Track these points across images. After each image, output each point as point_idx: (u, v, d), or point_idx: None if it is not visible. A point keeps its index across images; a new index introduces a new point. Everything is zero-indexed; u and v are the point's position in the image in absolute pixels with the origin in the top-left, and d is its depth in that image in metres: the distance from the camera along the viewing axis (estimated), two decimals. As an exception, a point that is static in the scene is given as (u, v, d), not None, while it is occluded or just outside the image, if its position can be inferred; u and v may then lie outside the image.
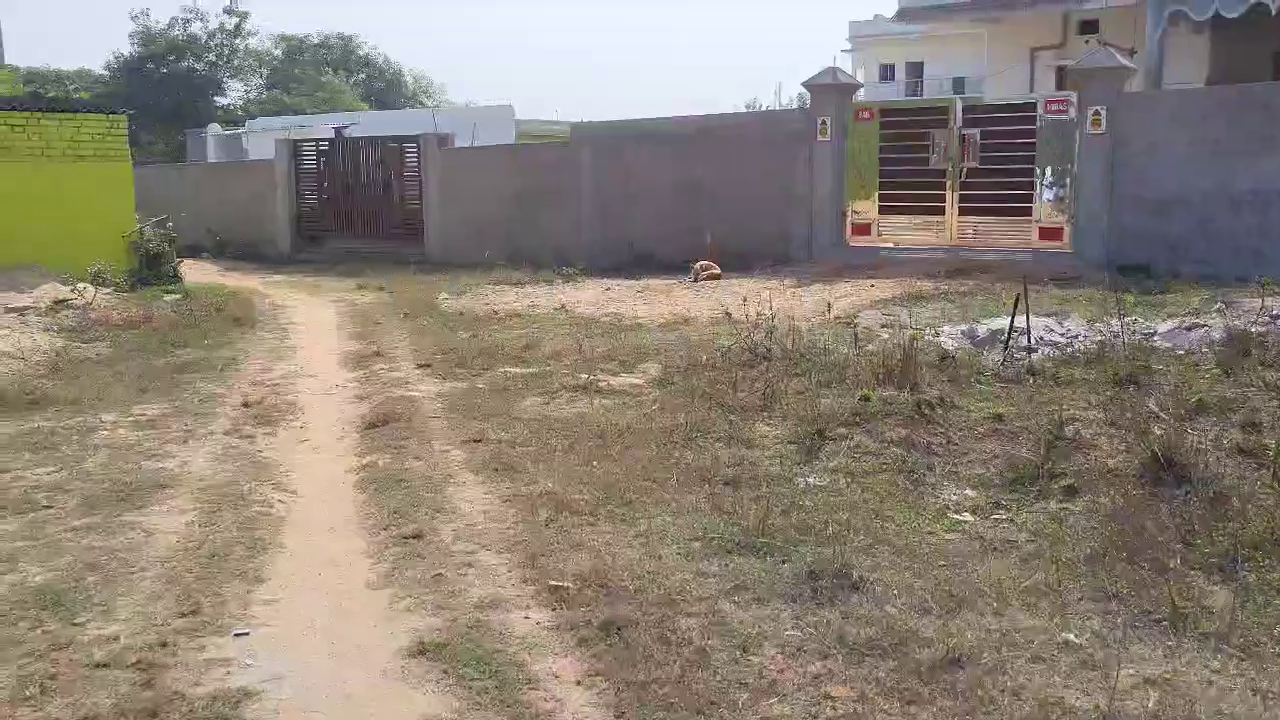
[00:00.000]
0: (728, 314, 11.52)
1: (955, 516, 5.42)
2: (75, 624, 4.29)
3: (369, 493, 6.00)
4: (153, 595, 4.57)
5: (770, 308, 11.92)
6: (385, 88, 62.89)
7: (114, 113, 15.18)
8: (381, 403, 8.05)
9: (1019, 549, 4.95)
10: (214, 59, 54.05)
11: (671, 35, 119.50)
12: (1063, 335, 9.09)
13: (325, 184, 22.34)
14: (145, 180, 25.79)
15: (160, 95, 50.84)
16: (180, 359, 10.35)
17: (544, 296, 14.50)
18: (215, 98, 55.06)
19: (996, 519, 5.36)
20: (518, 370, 9.31)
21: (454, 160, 20.54)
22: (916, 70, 61.23)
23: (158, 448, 6.90)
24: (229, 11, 53.43)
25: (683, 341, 10.17)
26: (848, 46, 69.35)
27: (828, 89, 16.44)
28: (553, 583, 4.58)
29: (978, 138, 14.94)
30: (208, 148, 37.61)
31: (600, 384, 8.45)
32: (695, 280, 15.15)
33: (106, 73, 53.73)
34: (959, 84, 33.97)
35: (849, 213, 16.45)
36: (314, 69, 58.89)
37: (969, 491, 5.74)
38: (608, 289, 15.08)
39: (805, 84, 16.73)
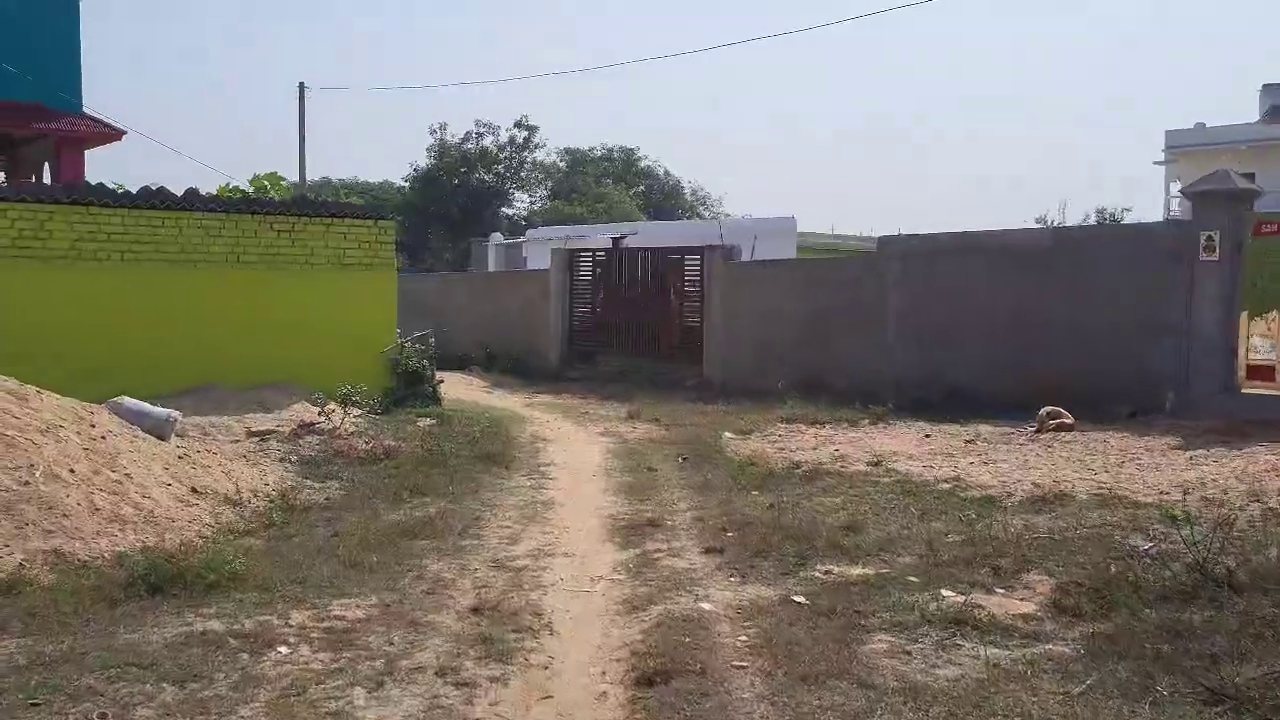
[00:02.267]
0: (1111, 492, 8.45)
1: None
2: None
3: None
4: None
5: (1163, 480, 8.79)
6: (663, 199, 63.09)
7: (382, 218, 14.02)
8: (659, 626, 5.58)
9: None
10: (502, 170, 55.84)
11: (952, 147, 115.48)
12: None
13: (600, 295, 20.81)
14: (422, 289, 25.48)
15: (451, 205, 52.85)
16: (415, 515, 8.40)
17: (850, 443, 11.81)
18: (501, 208, 56.82)
19: None
20: (844, 570, 6.65)
21: (739, 274, 18.42)
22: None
23: (340, 692, 4.71)
24: (520, 125, 55.22)
25: (1066, 534, 7.21)
26: (1160, 158, 63.66)
27: (1216, 196, 13.05)
28: None
29: None
30: (489, 256, 37.88)
31: (975, 612, 5.64)
32: (1040, 431, 12.00)
33: (406, 184, 56.68)
34: (1303, 201, 29.01)
35: (1242, 351, 12.86)
36: (595, 180, 59.88)
37: None
38: (927, 435, 12.21)
39: (1186, 191, 13.46)
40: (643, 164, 65.35)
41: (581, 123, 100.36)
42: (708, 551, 7.26)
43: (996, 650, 5.15)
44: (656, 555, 7.26)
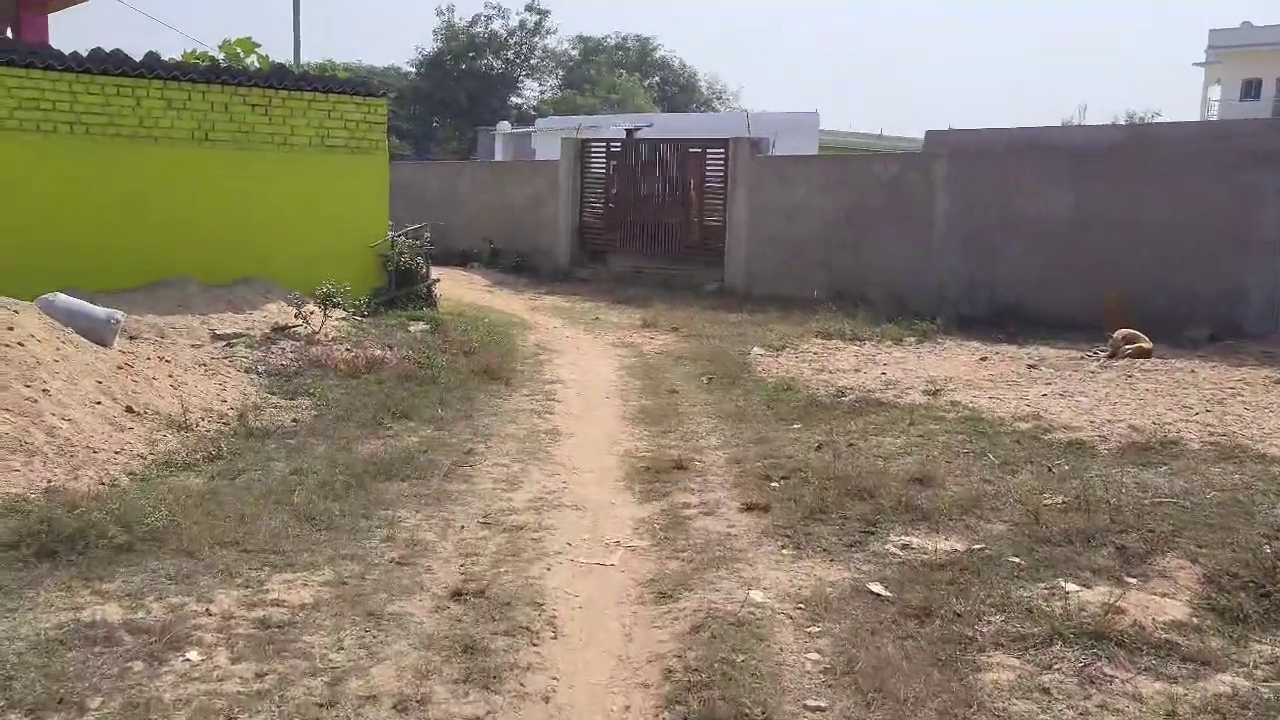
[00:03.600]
0: (1230, 441, 7.04)
1: None
2: None
3: None
4: None
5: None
6: (679, 92, 60.56)
7: (372, 94, 12.33)
8: (699, 630, 4.19)
9: None
10: (512, 56, 53.33)
11: (985, 44, 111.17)
12: None
13: (613, 190, 19.14)
14: (423, 179, 23.77)
15: (457, 92, 50.54)
16: (394, 446, 7.01)
17: (897, 365, 10.37)
18: (510, 96, 54.46)
19: None
20: (924, 543, 5.26)
21: (767, 170, 16.72)
22: (1291, 87, 52.25)
23: (260, 732, 3.36)
24: (530, 9, 52.52)
25: (1193, 499, 5.81)
26: (1201, 59, 60.70)
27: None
28: None
29: None
30: (496, 146, 36.00)
31: (1116, 620, 4.26)
32: (1114, 356, 10.55)
33: (413, 69, 54.20)
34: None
35: (1345, 269, 11.35)
36: (608, 70, 57.34)
37: None
38: (983, 359, 10.76)
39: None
40: (658, 54, 62.62)
41: (595, 7, 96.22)
42: (749, 509, 5.87)
43: (1161, 685, 3.78)
44: (686, 511, 5.87)
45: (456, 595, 4.49)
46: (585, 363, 10.91)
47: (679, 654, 3.98)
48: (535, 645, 4.07)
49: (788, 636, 4.15)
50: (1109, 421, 7.71)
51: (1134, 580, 4.82)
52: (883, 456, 6.88)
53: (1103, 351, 10.81)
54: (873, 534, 5.40)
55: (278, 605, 4.32)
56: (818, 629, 4.22)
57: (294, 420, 7.73)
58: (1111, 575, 4.85)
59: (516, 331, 12.42)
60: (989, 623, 4.28)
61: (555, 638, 4.17)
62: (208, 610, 4.24)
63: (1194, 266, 12.08)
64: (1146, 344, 10.55)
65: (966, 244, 13.98)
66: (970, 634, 4.15)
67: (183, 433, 6.96)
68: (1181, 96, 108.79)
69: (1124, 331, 10.77)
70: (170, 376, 8.05)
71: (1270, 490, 5.96)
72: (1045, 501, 5.91)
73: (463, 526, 5.51)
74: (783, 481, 6.38)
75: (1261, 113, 44.79)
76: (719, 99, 62.26)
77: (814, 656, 3.97)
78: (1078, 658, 3.98)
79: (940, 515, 5.67)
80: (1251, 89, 54.53)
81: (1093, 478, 6.22)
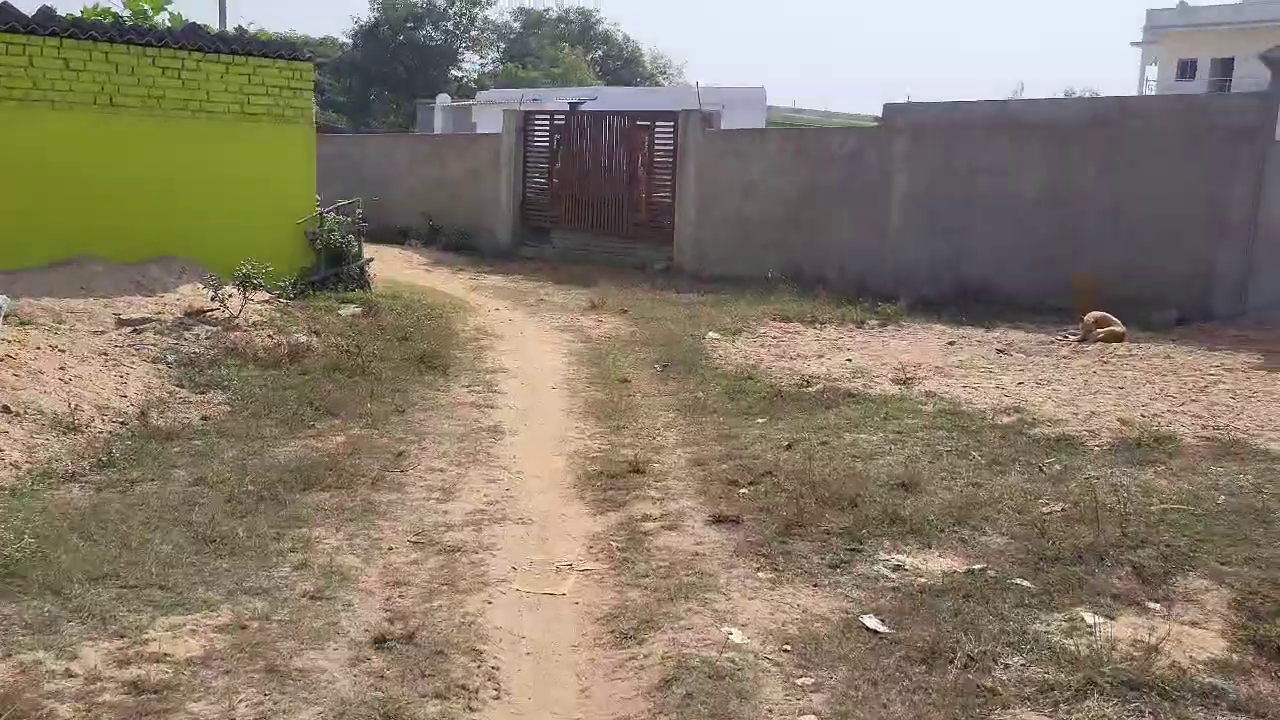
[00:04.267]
0: (1225, 435, 6.54)
1: None
2: None
3: None
4: None
5: (1276, 415, 6.91)
6: (622, 66, 59.53)
7: (296, 57, 11.39)
8: (670, 686, 3.50)
9: None
10: (451, 28, 51.95)
11: (920, 25, 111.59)
12: None
13: (557, 165, 18.32)
14: (358, 152, 22.73)
15: (395, 63, 49.08)
16: (317, 448, 6.24)
17: (862, 350, 9.78)
18: (450, 69, 53.08)
19: None
20: (918, 563, 4.63)
21: (719, 145, 16.02)
22: (1225, 68, 52.79)
23: None
24: (470, -23, 51.13)
25: (1203, 503, 5.26)
26: (1138, 39, 61.09)
27: (1302, 62, 10.92)
28: None
29: None
30: (435, 120, 34.85)
31: (1152, 661, 3.66)
32: (1084, 340, 10.06)
33: (349, 41, 52.56)
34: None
35: (1318, 249, 10.95)
36: (551, 43, 56.17)
37: None
38: (951, 343, 10.21)
39: (1266, 56, 11.23)
40: (601, 27, 61.47)
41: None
42: (718, 521, 5.20)
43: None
44: (647, 525, 5.18)
45: (379, 642, 3.76)
46: (529, 349, 10.17)
47: (648, 717, 3.30)
48: (473, 709, 3.36)
49: (776, 691, 3.48)
50: (1093, 414, 7.16)
51: (1157, 606, 4.24)
52: (859, 456, 6.25)
53: (1073, 335, 10.31)
54: (859, 551, 4.76)
55: (158, 661, 3.56)
56: (810, 680, 3.56)
57: (203, 418, 6.90)
58: (1132, 601, 4.26)
59: (455, 314, 11.62)
60: (1008, 667, 3.66)
61: (497, 697, 3.47)
62: (68, 670, 3.46)
63: (1164, 246, 11.62)
64: (1119, 328, 10.07)
65: (928, 222, 13.42)
66: (989, 684, 3.52)
67: (70, 435, 6.12)
68: (1118, 76, 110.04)
69: (1095, 315, 10.28)
70: (61, 369, 7.17)
71: (1256, 478, 5.46)
72: (1044, 509, 5.33)
73: (390, 548, 4.78)
74: (752, 487, 5.72)
75: (1197, 92, 45.07)
76: (663, 74, 61.31)
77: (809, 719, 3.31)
78: (1118, 713, 3.36)
79: (931, 527, 5.05)
80: (1188, 69, 55.01)
81: (1091, 480, 5.66)
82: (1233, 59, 51.67)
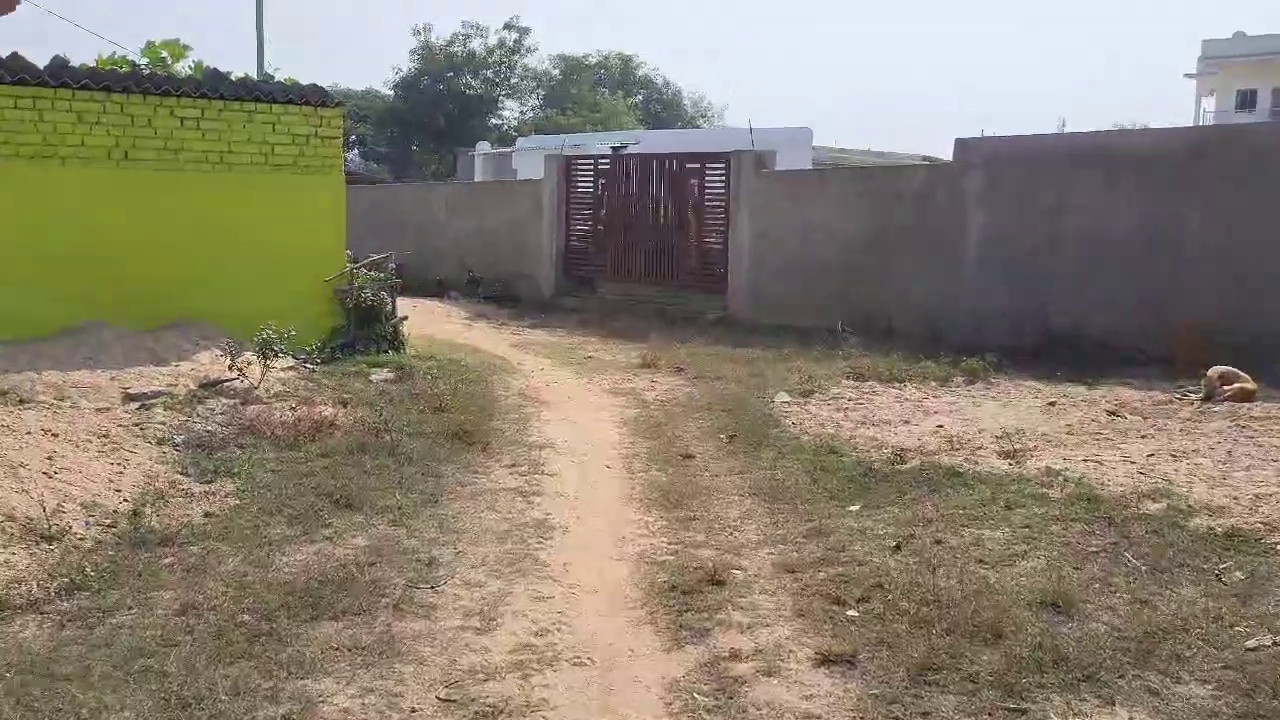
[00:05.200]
0: None
1: None
2: None
3: None
4: None
5: None
6: (662, 109, 59.11)
7: (325, 104, 10.57)
8: None
9: None
10: (491, 75, 51.76)
11: (967, 60, 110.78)
12: None
13: (602, 211, 17.43)
14: (395, 202, 22.06)
15: (436, 113, 48.90)
16: (331, 556, 5.24)
17: (952, 414, 8.65)
18: (490, 117, 52.87)
19: None
20: (1102, 728, 3.52)
21: (775, 187, 15.05)
22: (1288, 99, 51.14)
23: None
24: (510, 27, 50.99)
25: None
26: (1193, 70, 59.64)
27: None
28: None
29: None
30: (476, 167, 34.35)
31: None
32: (1208, 399, 8.85)
33: (390, 92, 52.56)
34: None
35: None
36: (590, 88, 55.86)
37: None
38: (1051, 403, 9.05)
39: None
40: (641, 72, 61.18)
41: (576, 25, 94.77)
42: (826, 661, 4.10)
43: None
44: (738, 667, 4.10)
45: None
46: (579, 416, 9.15)
47: None
48: None
49: None
50: (1258, 498, 5.98)
51: None
52: (986, 562, 5.13)
53: (1193, 393, 9.12)
54: (1023, 714, 3.64)
55: None
56: None
57: (206, 514, 5.94)
58: None
59: (497, 377, 10.65)
60: None
61: None
62: None
63: (1281, 289, 10.42)
64: (1249, 384, 8.85)
65: (1008, 267, 12.29)
66: None
67: (45, 545, 5.17)
68: (1171, 109, 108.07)
69: (1219, 370, 9.07)
70: (49, 459, 6.25)
71: None
72: (1240, 636, 4.19)
73: (414, 710, 3.73)
74: (862, 607, 4.62)
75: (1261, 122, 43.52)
76: (704, 117, 60.78)
77: None
78: None
79: (1107, 672, 3.92)
80: (1247, 99, 53.42)
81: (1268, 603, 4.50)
82: (1299, 89, 50.21)
